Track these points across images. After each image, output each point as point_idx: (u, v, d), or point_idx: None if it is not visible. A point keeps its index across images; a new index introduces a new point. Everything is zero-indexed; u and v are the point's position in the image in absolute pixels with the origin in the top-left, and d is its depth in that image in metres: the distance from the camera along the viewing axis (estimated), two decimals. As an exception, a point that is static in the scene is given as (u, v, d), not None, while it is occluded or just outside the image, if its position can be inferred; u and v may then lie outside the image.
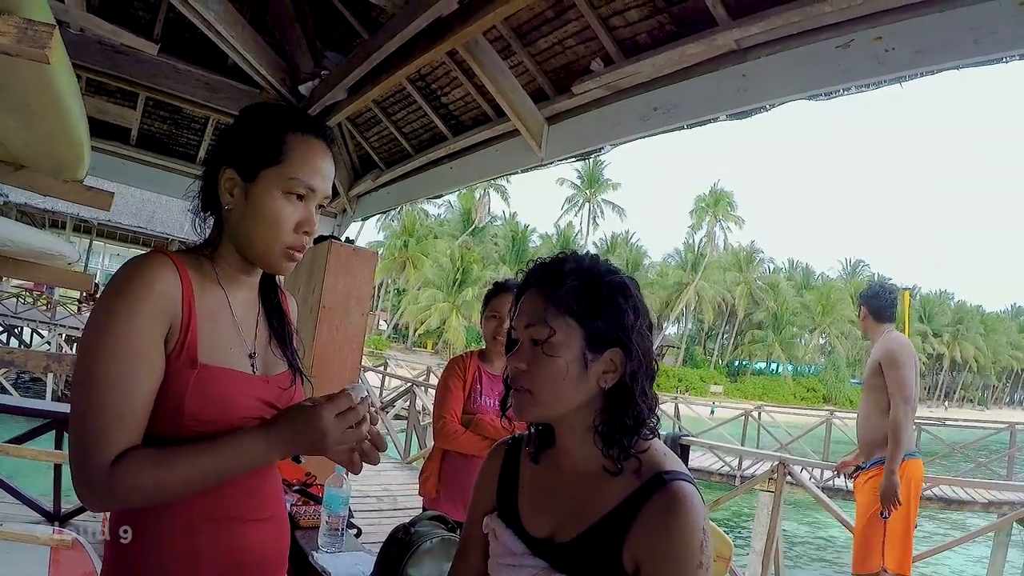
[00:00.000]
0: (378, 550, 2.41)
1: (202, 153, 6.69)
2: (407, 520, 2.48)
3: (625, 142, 3.96)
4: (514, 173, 4.97)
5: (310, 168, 1.55)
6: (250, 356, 1.60)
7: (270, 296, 1.76)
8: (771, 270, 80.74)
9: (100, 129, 5.81)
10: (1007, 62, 2.40)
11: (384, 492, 8.25)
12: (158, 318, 1.39)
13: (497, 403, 1.55)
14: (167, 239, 29.37)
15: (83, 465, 1.30)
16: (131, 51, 4.83)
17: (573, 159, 4.41)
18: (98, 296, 1.39)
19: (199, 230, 1.62)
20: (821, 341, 77.99)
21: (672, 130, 3.63)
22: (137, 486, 1.31)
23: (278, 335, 1.72)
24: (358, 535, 3.57)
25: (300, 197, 1.54)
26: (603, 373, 1.36)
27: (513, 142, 4.62)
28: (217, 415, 1.44)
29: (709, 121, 3.47)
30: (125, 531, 1.44)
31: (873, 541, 4.68)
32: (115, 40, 4.68)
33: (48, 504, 5.19)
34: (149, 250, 1.50)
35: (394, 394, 15.55)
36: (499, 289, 3.54)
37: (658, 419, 1.42)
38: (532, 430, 1.56)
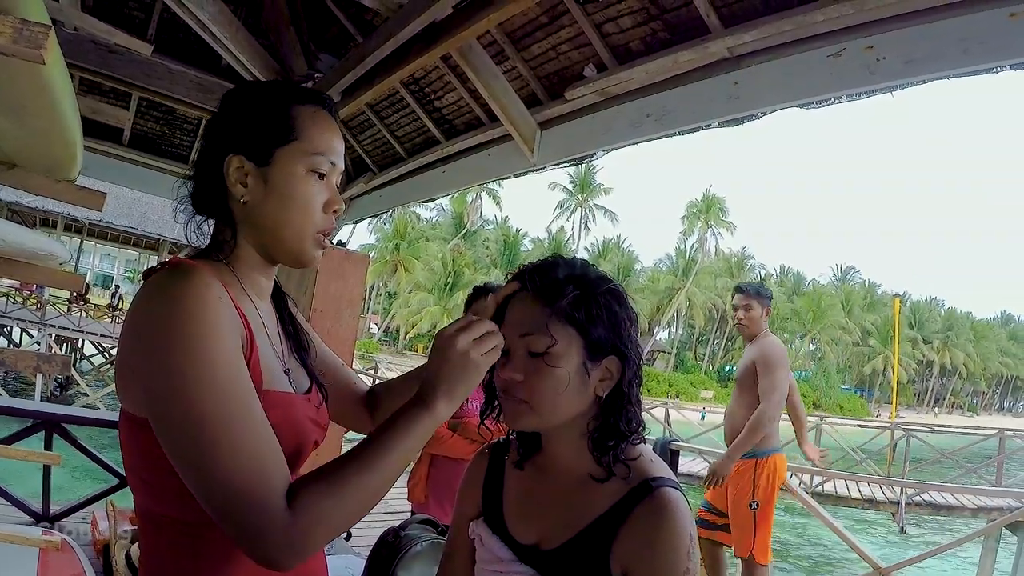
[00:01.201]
0: (368, 553, 2.41)
1: (194, 155, 6.66)
2: (397, 523, 2.49)
3: (617, 148, 3.96)
4: (506, 178, 4.97)
5: (327, 142, 1.40)
6: (285, 372, 1.43)
7: (283, 302, 1.60)
8: (762, 276, 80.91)
9: (93, 129, 5.79)
10: (997, 72, 2.41)
11: (374, 495, 8.23)
12: (236, 337, 1.22)
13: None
14: (158, 239, 29.29)
15: (257, 522, 1.09)
16: (125, 51, 4.82)
17: (565, 164, 4.42)
18: (149, 327, 1.17)
19: (197, 236, 1.44)
20: (811, 347, 78.32)
21: (664, 137, 3.63)
22: (323, 517, 1.12)
23: (296, 345, 1.56)
24: (347, 538, 3.58)
25: (322, 176, 1.39)
26: (600, 381, 1.36)
27: (506, 147, 4.63)
28: (287, 445, 1.25)
29: (701, 128, 3.48)
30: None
31: (747, 528, 5.00)
32: (109, 40, 4.67)
33: (37, 505, 5.18)
34: (171, 264, 1.27)
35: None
36: (481, 292, 3.49)
37: (643, 423, 1.42)
38: (514, 436, 1.56)
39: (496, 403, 1.45)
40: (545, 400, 1.33)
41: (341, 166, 1.45)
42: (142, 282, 1.27)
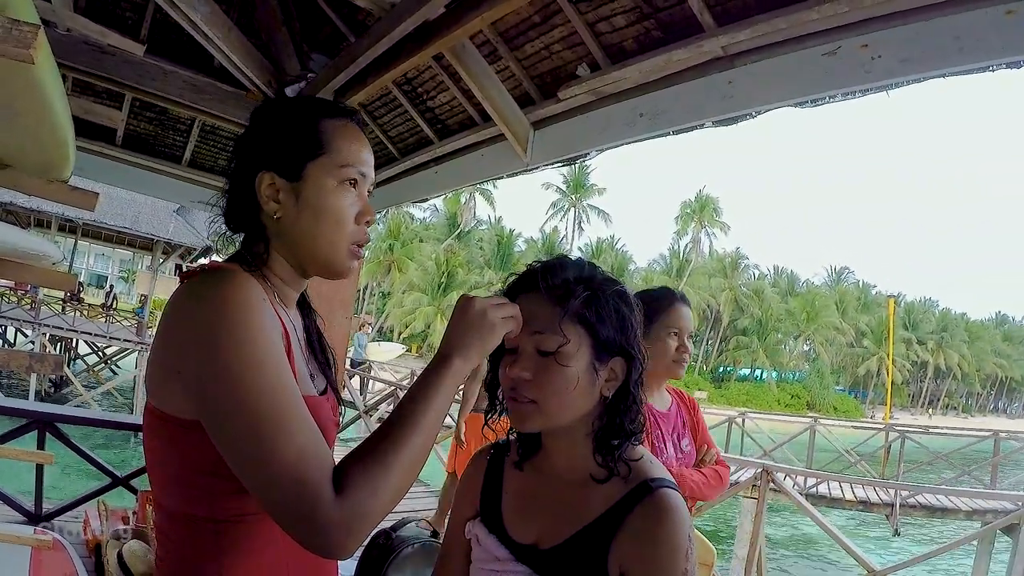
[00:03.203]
0: (359, 554, 2.40)
1: (187, 155, 6.67)
2: (388, 525, 2.48)
3: (610, 148, 3.95)
4: (499, 178, 4.97)
5: (356, 154, 1.43)
6: (311, 377, 1.48)
7: (308, 310, 1.67)
8: (756, 276, 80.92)
9: (86, 129, 5.78)
10: (994, 70, 2.41)
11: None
12: (278, 337, 1.27)
13: None
14: (152, 239, 29.22)
15: (310, 510, 1.11)
16: (118, 52, 4.80)
17: (558, 164, 4.41)
18: (197, 328, 1.21)
19: (225, 241, 1.49)
20: (805, 348, 78.38)
21: (658, 136, 3.62)
22: (372, 493, 1.15)
23: (316, 351, 1.60)
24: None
25: (353, 186, 1.43)
26: (606, 381, 1.38)
27: (499, 147, 4.62)
28: None
29: (695, 128, 3.47)
30: None
31: None
32: (102, 41, 4.65)
33: (29, 504, 5.17)
34: (210, 268, 1.32)
35: (378, 397, 15.51)
36: None
37: (645, 423, 1.44)
38: (515, 437, 1.56)
39: (500, 405, 1.46)
40: (553, 399, 1.34)
41: (371, 177, 1.49)
42: (179, 283, 1.30)
